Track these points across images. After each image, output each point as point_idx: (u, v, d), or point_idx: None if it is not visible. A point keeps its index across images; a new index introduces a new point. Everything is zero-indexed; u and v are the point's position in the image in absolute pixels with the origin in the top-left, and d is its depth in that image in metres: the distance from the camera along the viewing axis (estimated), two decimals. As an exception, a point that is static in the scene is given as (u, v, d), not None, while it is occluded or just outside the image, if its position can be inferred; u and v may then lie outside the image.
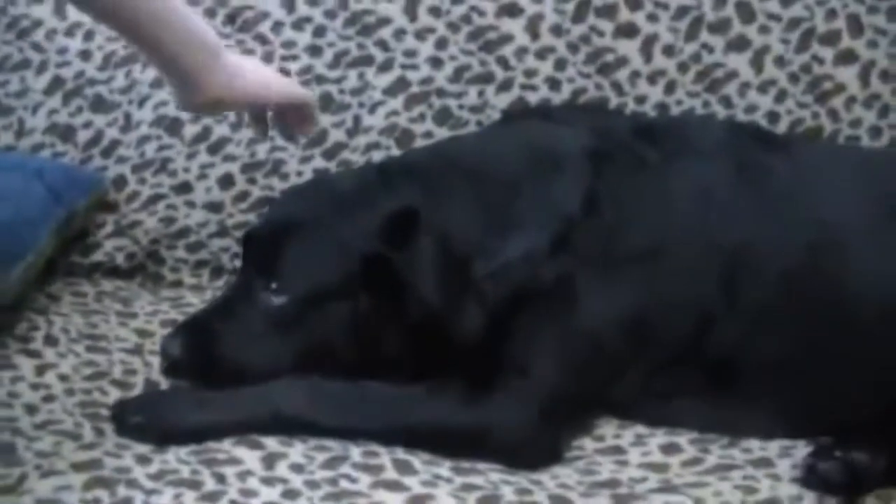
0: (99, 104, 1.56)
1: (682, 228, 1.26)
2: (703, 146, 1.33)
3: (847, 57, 1.56)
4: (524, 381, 1.21)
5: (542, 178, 1.27)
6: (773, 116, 1.55)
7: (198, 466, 1.13)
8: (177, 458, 1.14)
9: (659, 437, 1.27)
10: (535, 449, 1.20)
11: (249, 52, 1.53)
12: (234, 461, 1.14)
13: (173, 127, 1.55)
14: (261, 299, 1.24)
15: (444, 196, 1.24)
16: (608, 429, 1.28)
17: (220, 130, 1.54)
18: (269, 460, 1.14)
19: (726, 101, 1.55)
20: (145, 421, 1.17)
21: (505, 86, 1.55)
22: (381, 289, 1.22)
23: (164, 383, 1.28)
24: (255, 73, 1.15)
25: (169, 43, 1.07)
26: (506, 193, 1.26)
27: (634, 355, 1.25)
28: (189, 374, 1.23)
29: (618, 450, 1.24)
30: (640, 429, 1.28)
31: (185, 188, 1.54)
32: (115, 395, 1.26)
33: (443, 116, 1.54)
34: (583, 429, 1.26)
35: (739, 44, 1.56)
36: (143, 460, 1.14)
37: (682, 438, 1.27)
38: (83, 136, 1.56)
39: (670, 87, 1.55)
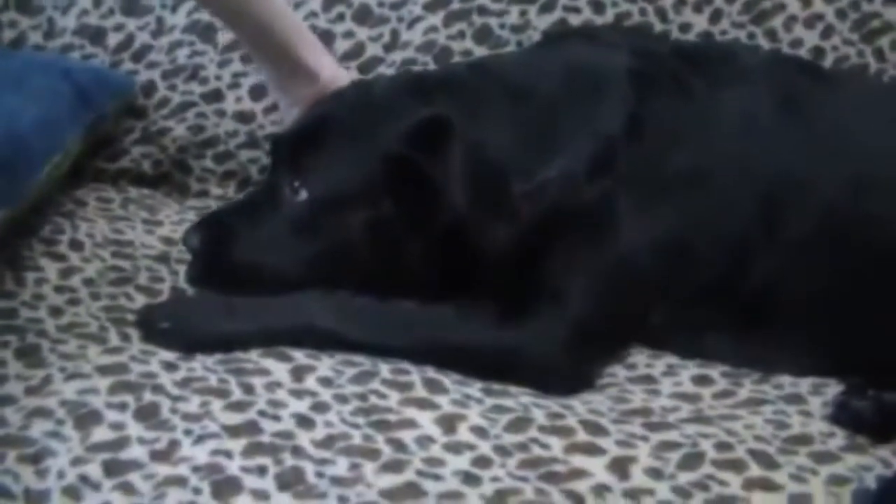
0: (131, 7, 1.53)
1: (725, 156, 1.23)
2: (749, 74, 1.30)
3: (897, -4, 1.52)
4: (557, 304, 1.19)
5: (585, 98, 1.23)
6: (819, 52, 1.52)
7: (225, 375, 1.11)
8: (203, 366, 1.12)
9: (691, 369, 1.24)
10: (567, 374, 1.17)
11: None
12: (262, 372, 1.11)
13: (206, 33, 1.52)
14: (283, 198, 1.20)
15: (481, 109, 1.20)
16: (640, 358, 1.25)
17: None
18: (298, 373, 1.11)
19: (772, 34, 1.53)
20: (172, 327, 1.14)
21: (547, 6, 1.51)
22: (407, 195, 1.18)
23: (191, 292, 1.26)
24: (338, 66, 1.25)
25: (279, 31, 1.15)
26: (546, 111, 1.22)
27: (671, 283, 1.22)
28: (207, 272, 1.20)
29: (650, 379, 1.22)
30: (672, 359, 1.25)
31: (215, 96, 1.51)
32: (140, 301, 1.23)
33: (483, 35, 1.50)
34: (615, 357, 1.24)
35: (789, -24, 1.52)
36: (170, 367, 1.11)
37: (714, 371, 1.25)
38: (114, 39, 1.53)
39: (716, 16, 1.52)
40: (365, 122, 1.20)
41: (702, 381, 1.22)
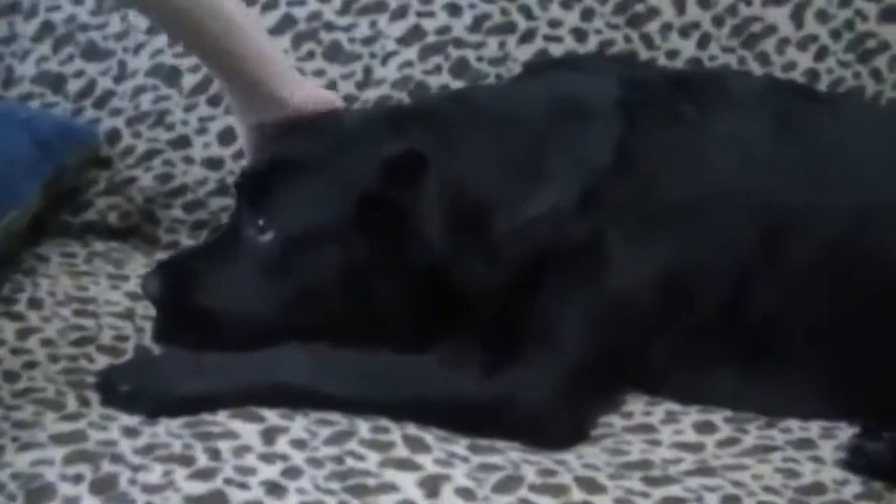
0: (92, 51, 1.48)
1: (721, 184, 1.18)
2: (742, 99, 1.25)
3: (893, 14, 1.47)
4: (548, 349, 1.13)
5: (571, 127, 1.18)
6: (813, 75, 1.47)
7: (191, 440, 1.03)
8: (168, 430, 1.05)
9: (692, 415, 1.17)
10: (560, 425, 1.11)
11: (252, -5, 1.44)
12: (230, 435, 1.04)
13: (171, 77, 1.46)
14: (248, 238, 1.15)
15: (459, 142, 1.16)
16: (637, 405, 1.18)
17: None
18: (269, 435, 1.04)
19: (763, 58, 1.47)
20: (134, 389, 1.08)
21: (527, 36, 1.46)
22: (381, 234, 1.13)
23: (157, 350, 1.19)
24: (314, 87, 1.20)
25: (251, 64, 1.11)
26: (529, 143, 1.17)
27: (668, 320, 1.17)
28: (170, 322, 1.15)
29: (648, 428, 1.15)
30: (672, 405, 1.19)
31: (182, 142, 1.45)
32: (102, 362, 1.16)
33: (460, 68, 1.45)
34: (610, 404, 1.17)
35: (778, -4, 1.47)
36: (131, 433, 1.04)
37: (717, 416, 1.17)
38: (74, 85, 1.48)
39: (704, 41, 1.47)
40: (335, 157, 1.15)
41: (704, 428, 1.16)
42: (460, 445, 1.07)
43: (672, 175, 1.18)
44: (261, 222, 1.15)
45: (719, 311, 1.18)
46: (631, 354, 1.18)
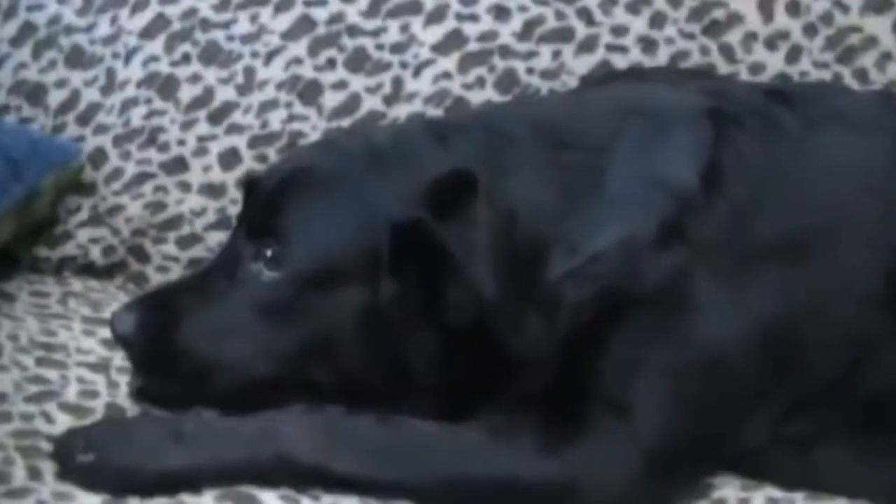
0: (76, 57, 1.32)
1: (836, 215, 1.00)
2: (854, 117, 1.06)
3: None
4: (621, 422, 0.94)
5: (646, 145, 1.01)
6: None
7: None
8: None
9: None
10: None
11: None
12: None
13: (166, 88, 1.30)
14: (250, 270, 1.00)
15: (511, 162, 1.01)
16: (729, 490, 0.98)
17: (224, 93, 1.28)
18: None
19: (862, 75, 1.28)
20: (98, 460, 0.91)
21: (586, 45, 1.28)
22: (415, 273, 0.98)
23: (133, 410, 1.00)
24: None
25: None
26: (595, 163, 1.01)
27: (769, 387, 0.99)
28: (145, 367, 1.01)
29: None
30: (773, 491, 0.99)
31: (178, 166, 1.29)
32: (63, 423, 0.98)
33: (507, 82, 1.27)
34: (697, 490, 0.98)
35: (880, 4, 1.29)
36: None
37: None
38: (56, 97, 1.32)
39: (794, 55, 1.28)
40: (364, 178, 1.01)
41: None
42: (512, 543, 0.87)
43: (774, 202, 1.00)
44: (268, 252, 0.99)
45: (833, 375, 0.99)
46: (723, 428, 0.99)
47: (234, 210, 1.24)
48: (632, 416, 0.94)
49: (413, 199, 0.97)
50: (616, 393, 0.95)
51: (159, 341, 0.99)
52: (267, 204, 1.01)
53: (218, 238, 1.26)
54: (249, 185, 1.05)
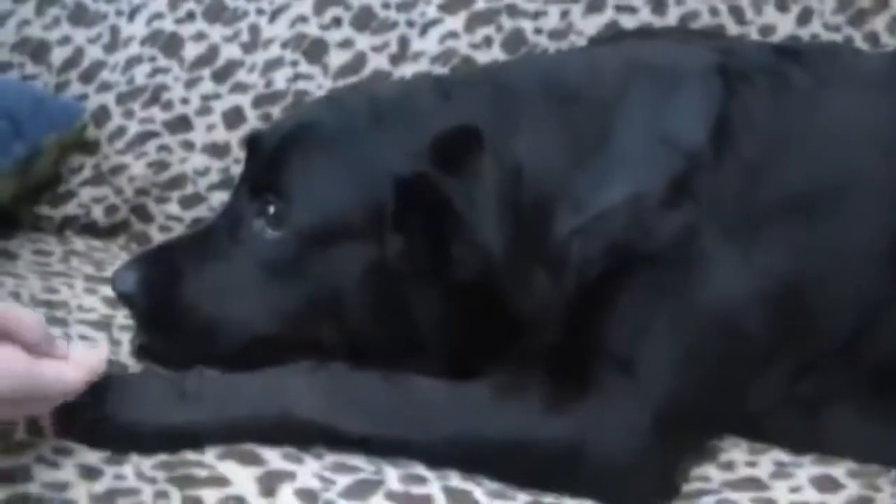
0: (80, 15, 1.30)
1: (849, 172, 0.97)
2: (865, 75, 1.03)
3: None
4: (629, 380, 0.91)
5: (655, 99, 0.98)
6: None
7: (166, 486, 0.81)
8: (137, 471, 0.82)
9: (808, 468, 0.93)
10: (646, 478, 0.89)
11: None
12: (218, 481, 0.82)
13: (170, 46, 1.27)
14: (252, 229, 0.97)
15: (517, 118, 0.98)
16: (738, 454, 0.95)
17: (229, 52, 1.26)
18: (269, 482, 0.82)
19: (873, 38, 1.25)
20: (99, 416, 0.87)
21: (595, 5, 1.26)
22: (420, 229, 0.95)
23: (135, 368, 0.97)
24: None
25: None
26: (603, 119, 0.98)
27: (777, 347, 0.95)
28: (150, 327, 0.98)
29: (756, 483, 0.91)
30: (781, 455, 0.95)
31: (182, 125, 1.28)
32: None
33: (514, 41, 1.25)
34: (705, 452, 0.95)
35: (896, -36, 1.27)
36: (90, 473, 0.82)
37: (839, 470, 0.93)
38: (59, 54, 1.30)
39: (805, 16, 1.25)
40: (368, 133, 0.98)
41: (825, 484, 0.92)
42: (519, 502, 0.84)
43: (784, 160, 0.96)
44: (271, 209, 0.96)
45: (842, 336, 0.96)
46: (731, 389, 0.96)
47: (238, 170, 1.17)
48: (639, 375, 0.91)
49: (418, 154, 0.95)
50: (623, 351, 0.92)
51: (161, 298, 0.97)
52: (269, 161, 0.98)
53: (221, 198, 1.24)
54: (252, 141, 1.02)
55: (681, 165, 0.96)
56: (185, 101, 1.26)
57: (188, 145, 1.26)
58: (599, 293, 0.94)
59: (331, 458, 0.86)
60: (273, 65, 1.25)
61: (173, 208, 1.26)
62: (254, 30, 1.24)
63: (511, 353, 0.95)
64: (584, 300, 0.94)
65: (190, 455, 0.84)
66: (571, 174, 0.96)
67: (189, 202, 1.26)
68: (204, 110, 1.26)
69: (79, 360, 0.83)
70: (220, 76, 1.26)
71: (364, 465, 0.85)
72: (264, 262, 0.95)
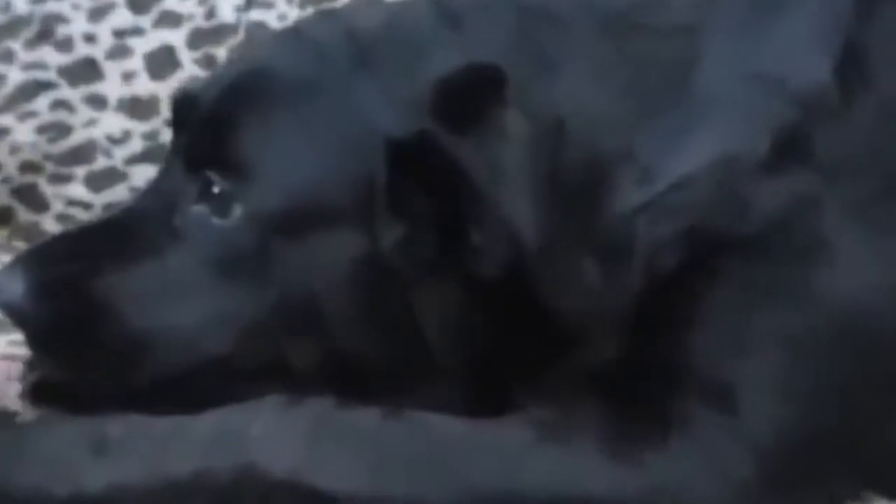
0: None
1: None
2: None
3: None
4: (722, 413, 0.95)
5: (753, 21, 1.02)
6: None
7: None
8: None
9: None
10: None
11: None
12: None
13: None
14: (192, 215, 1.01)
15: (554, 53, 1.02)
16: None
17: None
18: None
19: None
20: None
21: None
22: (424, 209, 0.99)
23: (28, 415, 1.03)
24: None
25: None
26: (678, 52, 1.02)
27: None
28: (46, 349, 1.01)
29: None
30: None
31: (86, 71, 1.34)
32: None
33: None
34: None
35: None
36: None
37: None
38: None
39: None
40: (348, 79, 1.01)
41: None
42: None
43: None
44: (216, 188, 1.00)
45: None
46: (866, 421, 0.99)
47: (170, 135, 1.26)
48: (737, 406, 0.94)
49: (416, 105, 0.98)
50: (713, 373, 0.95)
51: (64, 309, 0.99)
52: (211, 123, 1.01)
53: (147, 174, 1.27)
54: (184, 98, 1.06)
55: (791, 116, 0.99)
56: (89, 37, 1.33)
57: (97, 101, 1.33)
58: (677, 292, 0.97)
59: (310, 529, 0.89)
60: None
61: (76, 190, 1.33)
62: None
63: (553, 375, 0.99)
64: (654, 301, 0.98)
65: (115, 530, 0.87)
66: (634, 130, 1.00)
67: (99, 181, 1.33)
68: (119, 51, 1.32)
69: None
70: (140, 2, 1.32)
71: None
72: (210, 258, 0.99)
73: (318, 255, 0.99)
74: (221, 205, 0.99)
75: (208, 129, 1.02)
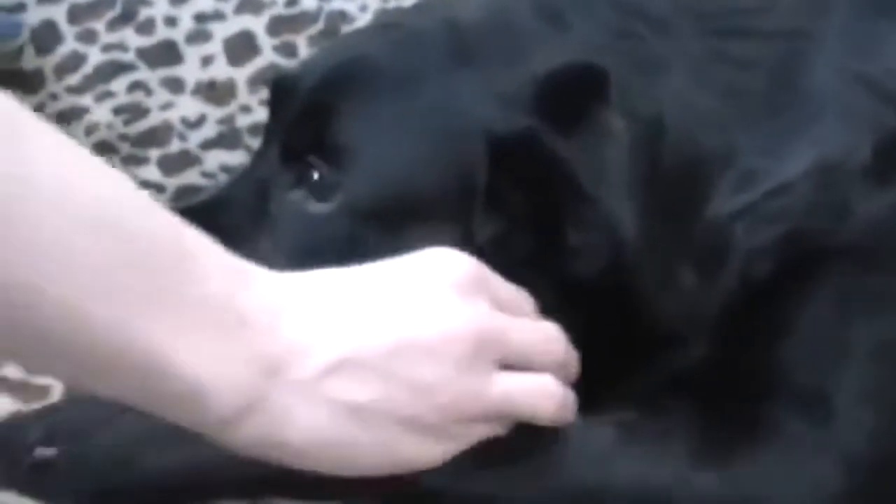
0: None
1: None
2: None
3: None
4: (817, 424, 0.93)
5: (859, 23, 1.02)
6: None
7: None
8: None
9: None
10: None
11: None
12: None
13: None
14: (288, 202, 1.01)
15: (656, 52, 1.02)
16: None
17: None
18: None
19: None
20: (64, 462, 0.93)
21: None
22: (523, 206, 0.99)
23: None
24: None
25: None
26: (783, 53, 1.02)
27: None
28: None
29: None
30: None
31: (165, 54, 1.38)
32: (3, 407, 1.07)
33: None
34: None
35: None
36: None
37: None
38: None
39: None
40: (447, 72, 1.01)
41: None
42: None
43: None
44: (315, 177, 0.99)
45: None
46: None
47: (245, 120, 1.33)
48: (830, 416, 0.93)
49: (518, 102, 0.98)
50: (807, 381, 0.94)
51: None
52: (312, 109, 1.01)
53: (221, 160, 1.32)
54: (282, 83, 1.06)
55: (894, 121, 0.99)
56: (171, 20, 1.34)
57: (174, 84, 1.33)
58: (773, 297, 0.97)
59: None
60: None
61: (150, 172, 1.33)
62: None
63: (643, 378, 0.99)
64: (750, 306, 0.97)
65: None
66: (736, 132, 0.99)
67: (173, 164, 1.34)
68: (198, 35, 1.33)
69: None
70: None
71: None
72: (305, 246, 0.99)
73: (412, 246, 0.98)
74: (321, 191, 1.00)
75: (309, 115, 1.02)
